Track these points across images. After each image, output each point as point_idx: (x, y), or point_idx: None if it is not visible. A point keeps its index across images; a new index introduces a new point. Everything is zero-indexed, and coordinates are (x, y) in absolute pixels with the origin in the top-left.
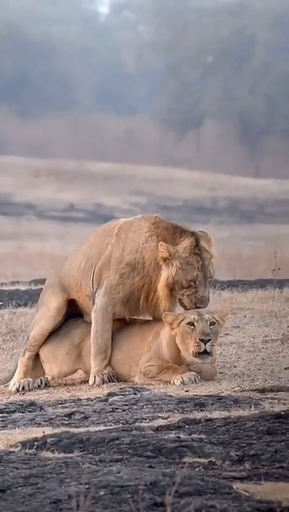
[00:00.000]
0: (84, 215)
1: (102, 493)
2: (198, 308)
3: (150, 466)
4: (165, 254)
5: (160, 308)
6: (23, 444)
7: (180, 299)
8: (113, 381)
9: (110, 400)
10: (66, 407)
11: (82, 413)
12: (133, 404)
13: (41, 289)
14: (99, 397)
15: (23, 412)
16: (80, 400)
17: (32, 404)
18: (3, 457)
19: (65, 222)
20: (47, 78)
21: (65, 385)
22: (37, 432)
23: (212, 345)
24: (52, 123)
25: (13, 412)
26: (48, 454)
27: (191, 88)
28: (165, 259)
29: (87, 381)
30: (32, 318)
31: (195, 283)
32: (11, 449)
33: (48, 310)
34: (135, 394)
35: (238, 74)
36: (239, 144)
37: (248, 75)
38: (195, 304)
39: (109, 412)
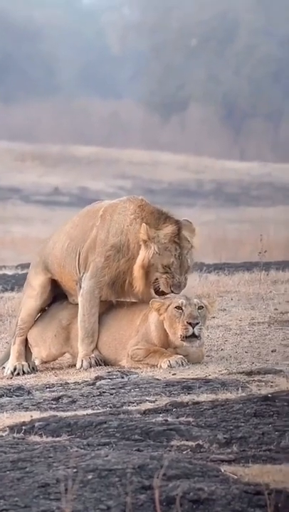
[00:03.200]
0: (69, 199)
1: (90, 476)
2: (172, 292)
3: (138, 450)
4: (144, 236)
5: (135, 289)
6: (11, 428)
7: (155, 281)
8: (100, 365)
9: (98, 383)
10: (54, 391)
11: (69, 397)
12: (120, 387)
13: (27, 273)
14: (86, 381)
15: (11, 397)
16: (68, 383)
17: (19, 388)
18: None
19: (50, 206)
20: (31, 62)
21: (53, 369)
22: (25, 416)
23: (200, 329)
24: (36, 107)
25: (1, 396)
26: (36, 438)
27: (175, 71)
28: (145, 242)
29: (75, 365)
30: (19, 303)
31: (170, 269)
32: None
33: (32, 289)
34: (122, 378)
35: (221, 56)
36: (224, 127)
37: (231, 57)
38: (170, 288)
39: (97, 395)
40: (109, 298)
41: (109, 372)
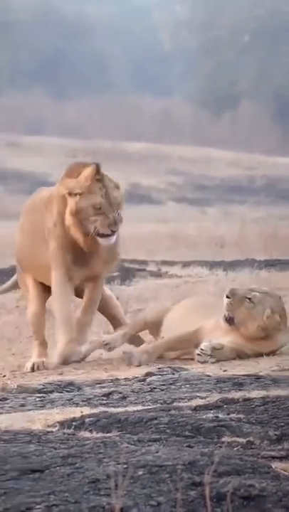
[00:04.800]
0: None
1: (140, 472)
2: (113, 232)
3: (188, 446)
4: (64, 190)
5: (79, 243)
6: (61, 423)
7: (95, 229)
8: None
9: (148, 379)
10: (104, 387)
11: (120, 393)
12: (171, 384)
13: None
14: (137, 377)
15: (61, 392)
16: (118, 379)
17: (70, 384)
18: (41, 437)
19: None
20: (83, 58)
21: (103, 364)
22: (75, 412)
23: None
24: (88, 103)
25: (51, 392)
26: (86, 434)
27: (227, 67)
28: (69, 194)
29: (124, 354)
30: None
31: (101, 209)
32: (49, 429)
33: (27, 293)
34: (173, 374)
35: (274, 53)
36: (275, 123)
37: (284, 53)
38: (108, 228)
39: (148, 391)
40: (76, 278)
41: (159, 368)
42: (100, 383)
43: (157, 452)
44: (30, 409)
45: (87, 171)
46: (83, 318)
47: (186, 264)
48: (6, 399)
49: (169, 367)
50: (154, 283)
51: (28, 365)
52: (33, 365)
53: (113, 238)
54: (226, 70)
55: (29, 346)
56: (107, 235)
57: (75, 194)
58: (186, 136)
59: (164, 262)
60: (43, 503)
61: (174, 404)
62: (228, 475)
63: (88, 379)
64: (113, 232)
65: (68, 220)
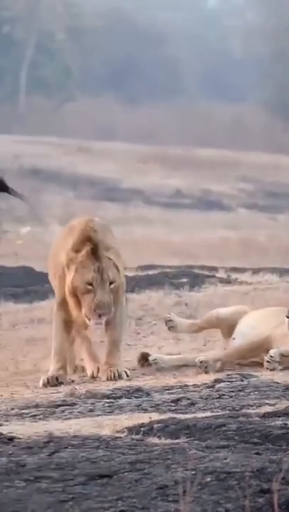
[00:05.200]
0: (191, 201)
1: (208, 479)
2: (99, 315)
3: (257, 453)
4: (64, 262)
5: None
6: (130, 429)
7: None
8: (57, 385)
9: (217, 386)
10: (173, 393)
11: (188, 399)
12: (240, 390)
13: (147, 274)
14: (205, 384)
15: (130, 398)
16: (187, 386)
17: (138, 390)
18: (109, 443)
19: (172, 209)
20: (154, 65)
21: (171, 370)
22: (143, 418)
23: None
24: (159, 109)
25: (120, 397)
26: (155, 440)
27: None
28: (67, 266)
29: (194, 367)
30: (139, 304)
31: (92, 285)
32: (118, 435)
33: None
34: (242, 380)
35: None
36: None
37: None
38: (94, 310)
39: (216, 398)
40: (67, 318)
41: (228, 374)
42: (168, 389)
43: (225, 459)
44: (98, 415)
45: (85, 249)
46: (109, 352)
47: (256, 271)
48: (74, 404)
49: (238, 373)
50: (223, 289)
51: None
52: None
53: (103, 323)
54: None
55: (100, 351)
56: (97, 321)
57: (71, 269)
58: (257, 143)
59: (234, 269)
60: (111, 508)
61: (243, 411)
62: None
63: (157, 385)
64: (101, 315)
65: (69, 300)
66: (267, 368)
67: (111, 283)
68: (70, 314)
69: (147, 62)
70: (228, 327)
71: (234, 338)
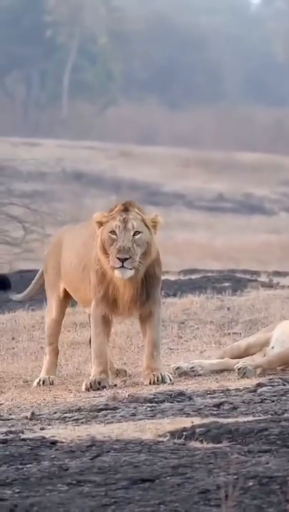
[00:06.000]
0: (233, 205)
1: (250, 483)
2: (121, 260)
3: None
4: (97, 219)
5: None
6: (172, 433)
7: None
8: (101, 389)
9: (259, 390)
10: (215, 397)
11: (230, 403)
12: (282, 395)
13: (189, 279)
14: (248, 388)
15: (172, 402)
16: (229, 390)
17: (181, 394)
18: (152, 447)
19: (214, 213)
20: (196, 68)
21: (214, 375)
22: (185, 422)
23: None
24: (201, 113)
25: (162, 401)
26: (197, 444)
27: None
28: (99, 224)
29: (238, 370)
30: (181, 308)
31: (115, 234)
32: (160, 439)
33: (52, 298)
34: (284, 385)
35: None
36: None
37: None
38: (116, 257)
39: (258, 402)
40: (108, 315)
41: (270, 379)
42: (210, 393)
43: (268, 463)
44: (140, 419)
45: (116, 208)
46: (148, 356)
47: None
48: (116, 408)
49: (280, 378)
50: (265, 294)
51: (35, 382)
52: (40, 380)
53: (128, 271)
54: None
55: (140, 355)
56: (120, 266)
57: (101, 224)
58: None
59: (276, 273)
60: None
61: (285, 415)
62: None
63: (199, 389)
64: (123, 261)
65: (99, 254)
66: None
67: (136, 233)
68: (109, 308)
69: (189, 65)
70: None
71: (273, 348)
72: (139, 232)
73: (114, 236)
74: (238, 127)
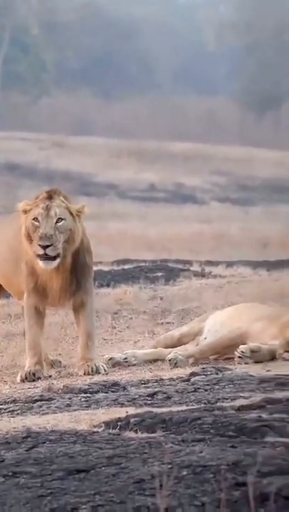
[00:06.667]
0: (165, 195)
1: (184, 472)
2: (43, 247)
3: (232, 446)
4: (22, 207)
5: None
6: (107, 424)
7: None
8: (35, 380)
9: (192, 379)
10: (149, 387)
11: (164, 393)
12: (215, 384)
13: (122, 269)
14: (181, 377)
15: (106, 393)
16: (163, 379)
17: (115, 384)
18: (86, 437)
19: (147, 203)
20: (128, 59)
21: (148, 365)
22: (120, 412)
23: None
24: (133, 103)
25: (97, 392)
26: (131, 434)
27: (270, 68)
28: (24, 213)
29: (170, 361)
30: (114, 298)
31: (38, 221)
32: (95, 429)
33: None
34: (217, 374)
35: None
36: None
37: None
38: (38, 245)
39: (192, 392)
40: (39, 307)
41: (203, 368)
42: (144, 383)
43: (201, 452)
44: (75, 410)
45: (40, 195)
46: (83, 346)
47: (229, 264)
48: (52, 399)
49: (213, 367)
50: (197, 283)
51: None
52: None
53: (51, 262)
54: (270, 70)
55: (74, 346)
56: (43, 257)
57: (26, 212)
58: (230, 136)
59: (208, 262)
60: (89, 503)
61: (218, 404)
62: (272, 475)
63: (133, 379)
64: (44, 248)
65: (23, 241)
66: (239, 363)
67: (58, 220)
68: (40, 299)
69: (121, 55)
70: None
71: (205, 338)
72: (62, 219)
73: (37, 223)
74: (170, 117)
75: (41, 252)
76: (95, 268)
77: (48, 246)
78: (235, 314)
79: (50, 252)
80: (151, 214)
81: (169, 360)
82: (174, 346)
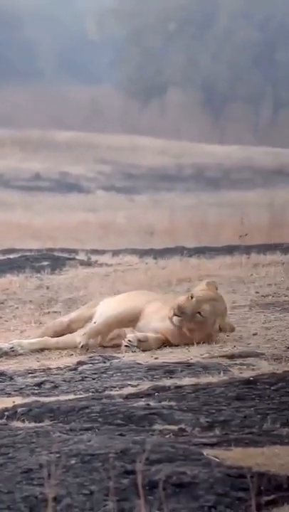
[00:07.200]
0: (50, 184)
1: (73, 461)
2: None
3: (120, 434)
4: None
5: None
6: None
7: None
8: None
9: (80, 368)
10: (36, 377)
11: (52, 382)
12: (102, 372)
13: (8, 258)
14: (68, 366)
15: None
16: (50, 369)
17: (1, 374)
18: None
19: (31, 192)
20: (9, 47)
21: (35, 354)
22: (7, 402)
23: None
24: (16, 92)
25: None
26: (19, 424)
27: (154, 56)
28: None
29: (56, 350)
30: (0, 288)
31: None
32: None
33: None
34: (104, 362)
35: (200, 41)
36: (203, 111)
37: (210, 42)
38: None
39: (79, 380)
40: None
41: (91, 357)
42: (31, 373)
43: (89, 441)
44: None
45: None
46: None
47: (116, 253)
48: None
49: (100, 355)
50: (84, 272)
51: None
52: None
53: None
54: (153, 58)
55: None
56: None
57: None
58: (114, 125)
59: (94, 251)
60: None
61: (106, 392)
62: (160, 463)
63: (20, 369)
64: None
65: None
66: (125, 352)
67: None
68: None
69: (2, 44)
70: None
71: (95, 322)
72: None
73: None
74: (53, 106)
75: None
76: None
77: None
78: (127, 299)
79: None
80: (36, 203)
81: (81, 347)
82: (62, 333)
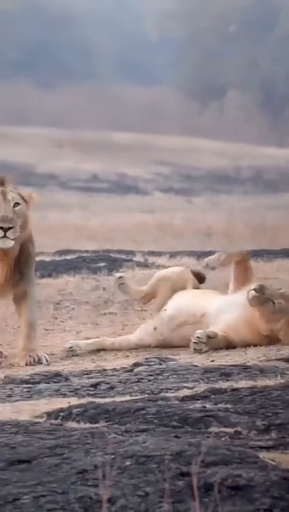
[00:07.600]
0: (107, 186)
1: (128, 463)
2: (4, 230)
3: (176, 436)
4: None
5: None
6: (49, 414)
7: None
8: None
9: (136, 370)
10: (92, 378)
11: (107, 383)
12: (158, 374)
13: (64, 259)
14: (124, 368)
15: (48, 383)
16: (106, 370)
17: (57, 374)
18: (28, 428)
19: (88, 193)
20: (67, 48)
21: (90, 355)
22: (62, 403)
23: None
24: (73, 93)
25: (39, 382)
26: (74, 425)
27: (213, 57)
28: None
29: (112, 351)
30: (56, 288)
31: None
32: (37, 420)
33: None
34: (160, 364)
35: (260, 43)
36: (262, 113)
37: (270, 43)
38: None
39: (135, 382)
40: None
41: (147, 358)
42: (87, 374)
43: (145, 443)
44: (17, 400)
45: None
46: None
47: (173, 255)
48: None
49: (156, 357)
50: (141, 273)
51: None
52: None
53: (8, 241)
54: (213, 59)
55: (16, 337)
56: (2, 236)
57: None
58: (172, 126)
59: (151, 253)
60: (31, 493)
61: (162, 394)
62: (216, 465)
63: (76, 369)
64: (6, 231)
65: None
66: (194, 349)
67: (16, 205)
68: None
69: (60, 45)
70: (171, 287)
71: (165, 310)
72: (19, 204)
73: None
74: (112, 107)
75: (1, 234)
76: (36, 258)
77: (10, 228)
78: (200, 294)
79: (10, 234)
80: (94, 204)
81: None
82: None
